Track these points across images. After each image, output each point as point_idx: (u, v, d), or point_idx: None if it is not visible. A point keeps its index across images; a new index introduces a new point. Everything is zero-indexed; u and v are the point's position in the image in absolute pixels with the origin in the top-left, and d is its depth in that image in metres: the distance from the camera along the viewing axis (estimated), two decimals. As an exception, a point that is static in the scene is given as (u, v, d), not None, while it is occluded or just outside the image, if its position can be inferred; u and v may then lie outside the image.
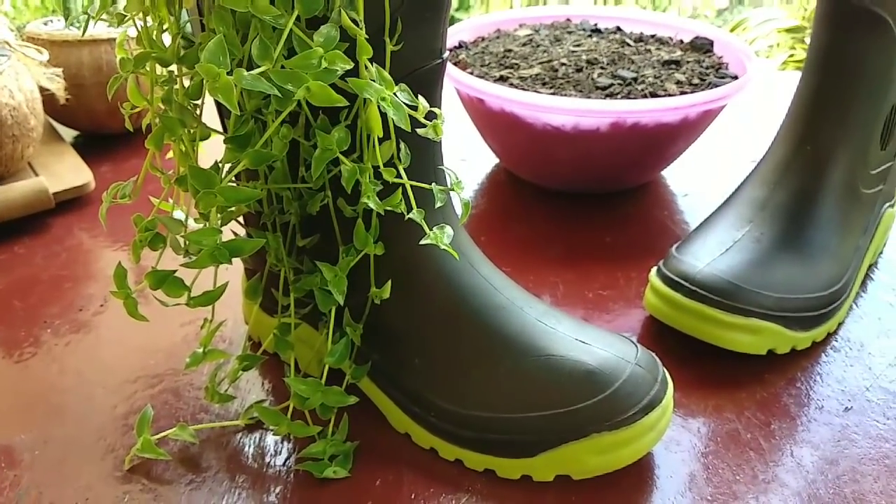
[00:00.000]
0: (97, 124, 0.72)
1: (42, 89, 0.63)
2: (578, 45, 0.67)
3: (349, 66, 0.29)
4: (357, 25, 0.30)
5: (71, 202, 0.63)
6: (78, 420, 0.42)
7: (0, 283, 0.54)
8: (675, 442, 0.41)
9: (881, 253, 0.57)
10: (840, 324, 0.49)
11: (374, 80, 0.31)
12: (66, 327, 0.50)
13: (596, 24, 0.73)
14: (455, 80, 0.59)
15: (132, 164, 0.71)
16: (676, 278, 0.45)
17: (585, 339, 0.39)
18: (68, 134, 0.75)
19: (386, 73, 0.31)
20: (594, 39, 0.69)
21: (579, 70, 0.62)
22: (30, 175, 0.63)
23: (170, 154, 0.36)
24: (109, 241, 0.59)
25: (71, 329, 0.49)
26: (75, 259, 0.57)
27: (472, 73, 0.62)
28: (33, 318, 0.50)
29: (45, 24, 0.71)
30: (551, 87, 0.59)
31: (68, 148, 0.69)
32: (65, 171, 0.65)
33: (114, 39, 0.68)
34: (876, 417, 0.42)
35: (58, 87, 0.64)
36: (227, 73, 0.27)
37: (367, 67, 0.31)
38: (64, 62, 0.67)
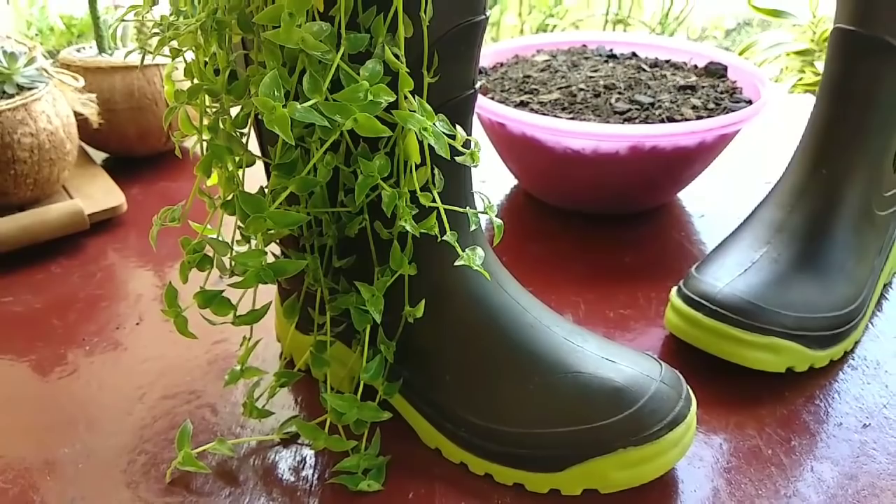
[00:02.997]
0: (127, 148, 0.74)
1: (76, 114, 0.66)
2: (595, 71, 0.69)
3: (392, 98, 0.31)
4: (399, 60, 0.32)
5: (104, 223, 0.65)
6: (118, 435, 0.44)
7: (39, 301, 0.56)
8: (699, 458, 0.42)
9: (896, 273, 0.58)
10: (857, 342, 0.51)
11: (414, 111, 0.32)
12: (103, 345, 0.51)
13: (612, 50, 0.75)
14: (476, 105, 0.61)
15: (161, 186, 0.73)
16: (697, 298, 0.47)
17: (612, 356, 0.40)
18: (98, 156, 0.77)
19: (427, 105, 0.33)
20: (611, 65, 0.71)
21: (597, 95, 0.64)
22: (64, 197, 0.65)
23: (211, 180, 0.38)
24: (142, 262, 0.61)
25: (109, 347, 0.51)
26: (110, 278, 0.59)
27: (492, 99, 0.63)
28: (72, 337, 0.52)
29: (79, 51, 0.74)
30: (570, 112, 0.61)
31: (100, 170, 0.71)
32: (98, 193, 0.67)
33: (146, 67, 0.71)
34: (894, 434, 0.43)
35: (91, 111, 0.66)
36: (282, 106, 0.29)
37: (407, 98, 0.33)
38: (97, 88, 0.69)
